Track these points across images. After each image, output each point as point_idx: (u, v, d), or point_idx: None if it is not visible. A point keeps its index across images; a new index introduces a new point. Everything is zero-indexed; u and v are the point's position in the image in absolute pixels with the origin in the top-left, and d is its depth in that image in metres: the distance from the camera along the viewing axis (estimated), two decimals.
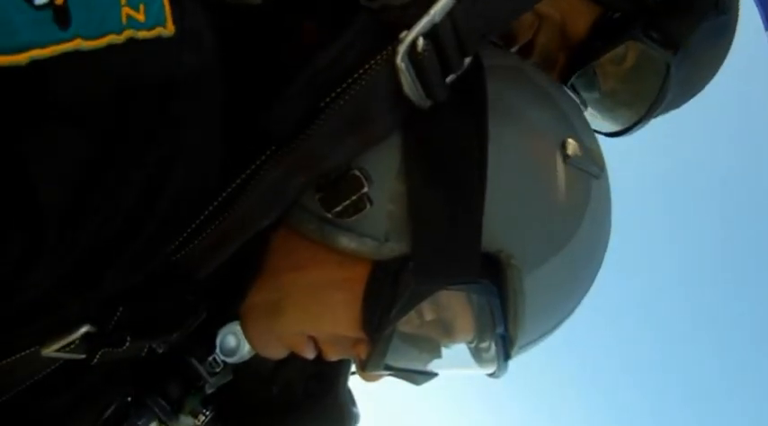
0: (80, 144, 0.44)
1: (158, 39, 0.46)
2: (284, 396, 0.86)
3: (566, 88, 0.80)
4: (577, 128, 0.69)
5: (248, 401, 0.84)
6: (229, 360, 0.72)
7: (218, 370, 0.73)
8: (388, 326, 0.63)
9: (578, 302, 0.71)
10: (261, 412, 0.84)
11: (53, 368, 0.63)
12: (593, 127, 0.77)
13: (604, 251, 0.72)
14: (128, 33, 0.44)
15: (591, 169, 0.67)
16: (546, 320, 0.69)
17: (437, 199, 0.60)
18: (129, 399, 0.73)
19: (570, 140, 0.66)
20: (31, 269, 0.45)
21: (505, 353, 0.67)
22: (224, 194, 0.56)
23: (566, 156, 0.65)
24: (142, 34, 0.45)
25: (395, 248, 0.61)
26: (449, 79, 0.59)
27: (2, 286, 0.46)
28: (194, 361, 0.73)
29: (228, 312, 0.71)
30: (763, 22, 1.06)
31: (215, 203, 0.56)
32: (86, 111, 0.43)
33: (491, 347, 0.69)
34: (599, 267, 0.72)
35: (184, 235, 0.56)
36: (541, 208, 0.64)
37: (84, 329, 0.57)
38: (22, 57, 0.40)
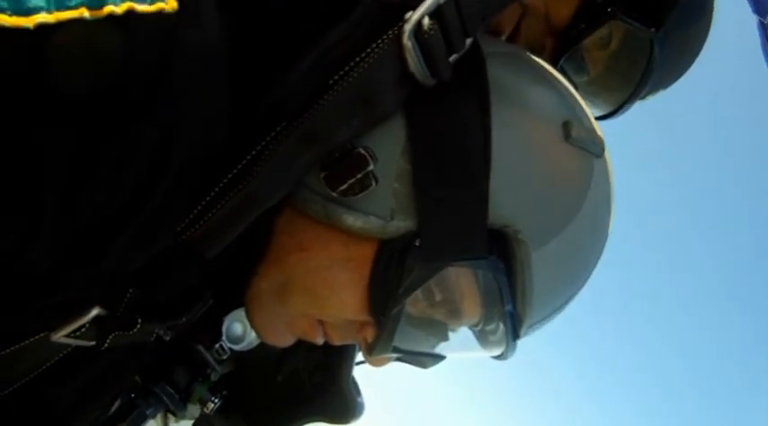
0: (79, 116, 0.44)
1: (159, 14, 0.46)
2: (289, 386, 0.85)
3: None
4: (577, 109, 0.70)
5: (254, 390, 0.83)
6: (236, 348, 0.72)
7: (224, 358, 0.73)
8: (396, 306, 0.63)
9: (585, 280, 0.71)
10: (266, 401, 0.84)
11: (60, 356, 0.63)
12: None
13: (608, 230, 0.73)
14: (127, 5, 0.44)
15: (592, 148, 0.68)
16: (553, 297, 0.69)
17: (442, 175, 0.61)
18: (137, 388, 0.72)
19: (571, 120, 0.67)
20: (32, 243, 0.45)
21: (514, 332, 0.67)
22: (234, 171, 0.55)
23: (567, 135, 0.66)
24: (142, 8, 0.45)
25: (401, 226, 0.61)
26: (452, 59, 0.60)
27: (3, 261, 0.46)
28: (201, 348, 0.72)
29: (234, 299, 0.70)
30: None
31: (225, 180, 0.56)
32: (85, 83, 0.44)
33: (498, 328, 0.69)
34: (603, 246, 0.72)
35: (194, 212, 0.56)
36: (546, 184, 0.64)
37: (94, 312, 0.57)
38: (29, 21, 0.41)
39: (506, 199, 0.62)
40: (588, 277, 0.72)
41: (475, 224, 0.61)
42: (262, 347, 0.74)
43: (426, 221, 0.61)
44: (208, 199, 0.56)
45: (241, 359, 0.81)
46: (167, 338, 0.69)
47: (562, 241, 0.65)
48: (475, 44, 0.63)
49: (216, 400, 0.75)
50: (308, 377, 0.86)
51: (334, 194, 0.61)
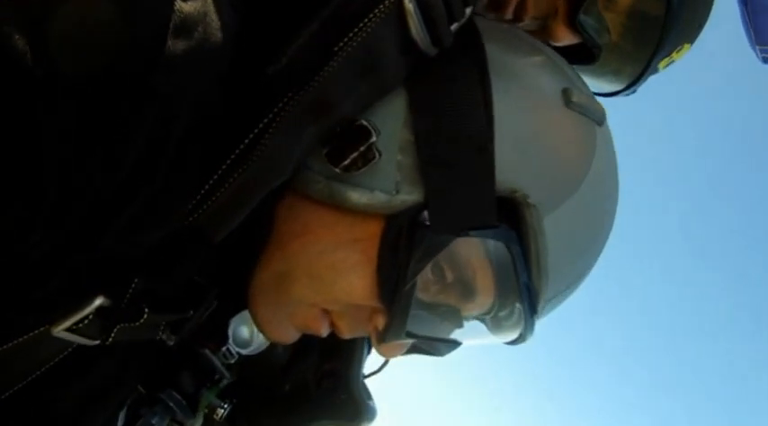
0: (76, 94, 0.42)
1: None
2: (297, 394, 0.82)
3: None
4: (574, 79, 0.70)
5: (260, 398, 0.80)
6: (244, 352, 0.69)
7: (232, 362, 0.71)
8: (407, 283, 0.61)
9: (598, 251, 0.70)
10: (273, 409, 0.81)
11: (62, 357, 0.60)
12: (605, 89, 0.75)
13: (616, 202, 0.72)
14: None
15: (594, 115, 0.68)
16: (569, 268, 0.67)
17: (446, 144, 0.60)
18: (142, 397, 0.69)
19: (570, 87, 0.67)
20: (32, 226, 0.43)
21: (531, 308, 0.65)
22: (241, 146, 0.53)
23: (568, 101, 0.65)
24: None
25: (407, 199, 0.60)
26: (453, 27, 0.60)
27: (2, 245, 0.44)
28: (207, 352, 0.69)
29: (240, 300, 0.67)
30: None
31: (232, 156, 0.54)
32: (82, 59, 0.42)
33: (514, 310, 0.67)
34: (613, 217, 0.71)
35: (202, 192, 0.54)
36: (550, 147, 0.63)
37: (98, 302, 0.54)
38: None
39: (512, 164, 0.61)
40: (601, 249, 0.70)
41: (483, 190, 0.60)
42: (269, 354, 0.72)
43: (433, 191, 0.60)
44: (215, 177, 0.54)
45: (247, 367, 0.78)
46: (171, 343, 0.66)
47: (572, 205, 0.64)
48: (469, 20, 0.62)
49: (225, 406, 0.72)
50: (316, 385, 0.83)
51: (337, 170, 0.59)
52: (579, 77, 0.72)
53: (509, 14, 0.78)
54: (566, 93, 0.66)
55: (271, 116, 0.53)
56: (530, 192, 0.61)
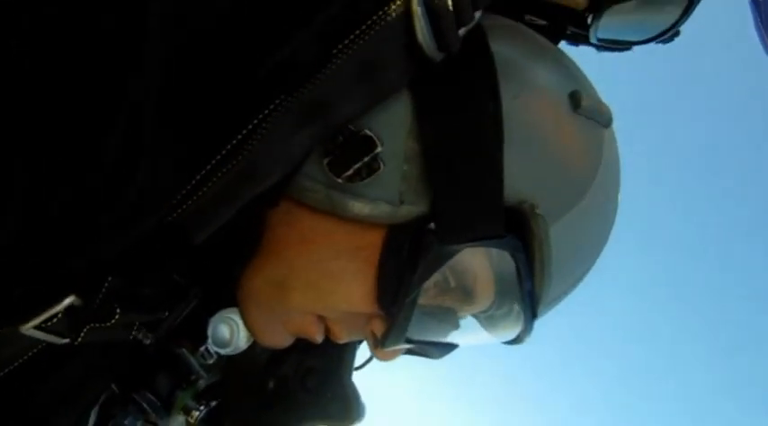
0: (44, 90, 0.41)
1: None
2: (281, 393, 0.80)
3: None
4: (581, 80, 0.69)
5: (243, 399, 0.78)
6: (222, 352, 0.66)
7: (210, 362, 0.68)
8: (410, 294, 0.60)
9: (600, 251, 0.69)
10: (257, 409, 0.79)
11: (30, 355, 0.58)
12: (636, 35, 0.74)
13: (617, 200, 0.71)
14: None
15: (600, 118, 0.67)
16: (571, 272, 0.67)
17: (453, 154, 0.58)
18: (115, 397, 0.67)
19: (578, 91, 0.65)
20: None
21: (532, 312, 0.64)
22: (229, 145, 0.51)
23: (576, 105, 0.64)
24: None
25: (412, 210, 0.58)
26: (461, 32, 0.57)
27: None
28: (185, 352, 0.67)
29: (220, 299, 0.66)
30: None
31: (219, 155, 0.51)
32: (52, 53, 0.40)
33: (512, 310, 0.66)
34: (615, 216, 0.70)
35: (185, 189, 0.52)
36: (559, 156, 0.62)
37: (68, 300, 0.52)
38: None
39: (521, 174, 0.60)
40: (602, 248, 0.70)
41: (491, 202, 0.59)
42: (250, 352, 0.69)
43: (439, 203, 0.58)
44: (200, 175, 0.51)
45: (229, 367, 0.76)
46: (147, 342, 0.64)
47: (578, 213, 0.63)
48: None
49: (201, 408, 0.70)
50: (299, 383, 0.81)
51: (339, 180, 0.57)
52: (586, 78, 0.70)
53: None
54: (574, 97, 0.64)
55: (261, 116, 0.51)
56: (538, 202, 0.60)
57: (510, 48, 0.64)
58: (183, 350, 0.68)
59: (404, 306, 0.60)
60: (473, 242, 0.60)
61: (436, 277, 0.63)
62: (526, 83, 0.63)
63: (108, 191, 0.46)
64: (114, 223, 0.48)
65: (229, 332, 0.66)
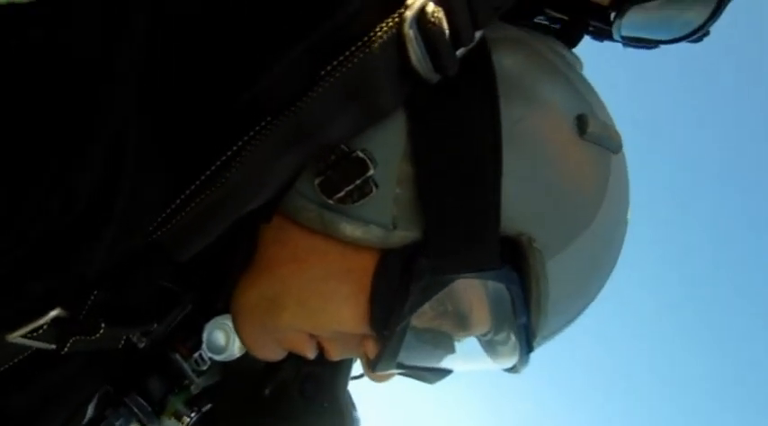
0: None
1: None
2: (278, 399, 0.80)
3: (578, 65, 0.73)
4: (591, 102, 0.65)
5: (239, 404, 0.78)
6: (217, 358, 0.67)
7: (204, 368, 0.68)
8: (401, 322, 0.58)
9: (602, 285, 0.66)
10: (253, 415, 0.78)
11: (21, 358, 0.58)
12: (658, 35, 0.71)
13: (625, 230, 0.68)
14: None
15: (609, 144, 0.63)
16: (570, 306, 0.64)
17: (449, 180, 0.56)
18: (106, 397, 0.67)
19: (585, 114, 0.62)
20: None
21: (527, 345, 0.63)
22: (210, 169, 0.50)
23: (582, 131, 0.61)
24: None
25: (404, 235, 0.56)
26: (459, 52, 0.55)
27: None
28: (178, 357, 0.67)
29: (217, 305, 0.65)
30: None
31: (201, 178, 0.50)
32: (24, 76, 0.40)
33: (510, 339, 0.64)
34: (621, 247, 0.67)
35: (167, 210, 0.51)
36: (561, 185, 0.60)
37: (53, 313, 0.51)
38: None
39: (520, 204, 0.57)
40: (605, 281, 0.67)
41: (486, 232, 0.56)
42: (247, 357, 0.69)
43: (432, 230, 0.56)
44: (182, 197, 0.51)
45: (225, 371, 0.75)
46: (142, 345, 0.64)
47: (579, 246, 0.60)
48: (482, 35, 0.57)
49: (193, 415, 0.70)
50: (298, 390, 0.80)
51: (331, 201, 0.56)
52: (598, 99, 0.67)
53: None
54: (581, 122, 0.61)
55: (246, 138, 0.50)
56: (536, 235, 0.58)
57: (515, 66, 0.62)
58: (177, 355, 0.68)
59: (395, 331, 0.59)
60: (466, 272, 0.58)
61: (432, 303, 0.61)
62: (530, 105, 0.60)
63: (90, 214, 0.45)
64: (98, 244, 0.48)
65: (225, 338, 0.66)
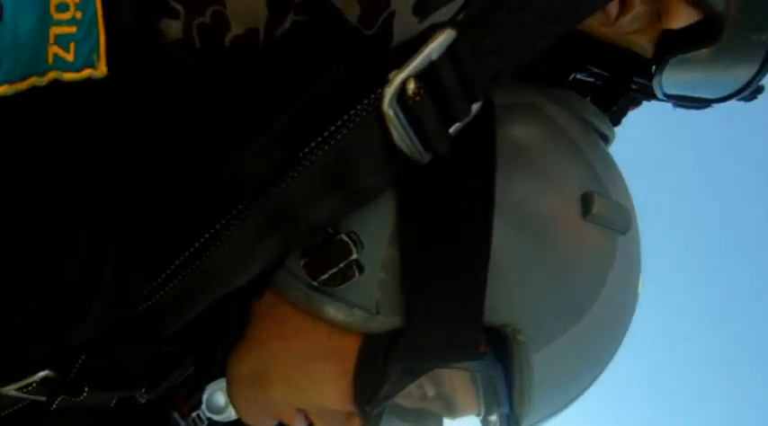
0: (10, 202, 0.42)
1: (87, 82, 0.42)
2: None
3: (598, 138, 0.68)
4: (603, 178, 0.61)
5: None
6: (216, 418, 0.68)
7: None
8: (381, 404, 0.59)
9: (596, 376, 0.64)
10: None
11: (21, 406, 0.60)
12: (707, 93, 0.66)
13: (631, 314, 0.65)
14: (52, 75, 0.41)
15: (616, 224, 0.60)
16: (559, 396, 0.63)
17: (433, 268, 0.55)
18: None
19: (592, 192, 0.59)
20: None
21: None
22: (186, 253, 0.51)
23: (586, 212, 0.58)
24: (68, 76, 0.41)
25: (386, 321, 0.56)
26: (453, 129, 0.51)
27: None
28: (176, 416, 0.69)
29: (213, 370, 0.67)
30: None
31: (177, 262, 0.52)
32: (15, 163, 0.41)
33: (497, 422, 0.63)
34: (624, 333, 0.64)
35: (153, 284, 0.53)
36: (555, 275, 0.57)
37: (42, 373, 0.54)
38: None
39: (507, 295, 0.56)
40: (601, 371, 0.64)
41: (468, 324, 0.56)
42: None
43: (413, 319, 0.56)
44: (167, 272, 0.52)
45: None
46: (143, 401, 0.66)
47: (571, 338, 0.58)
48: (486, 103, 0.54)
49: None
50: None
51: (315, 283, 0.56)
52: (614, 173, 0.64)
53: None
54: (585, 201, 0.58)
55: (224, 222, 0.50)
56: (523, 326, 0.56)
57: (523, 138, 0.59)
58: (176, 414, 0.69)
59: (377, 413, 0.60)
60: (446, 362, 0.58)
61: (415, 388, 0.61)
62: (532, 183, 0.57)
63: (76, 296, 0.47)
64: (84, 319, 0.49)
65: (225, 400, 0.67)
